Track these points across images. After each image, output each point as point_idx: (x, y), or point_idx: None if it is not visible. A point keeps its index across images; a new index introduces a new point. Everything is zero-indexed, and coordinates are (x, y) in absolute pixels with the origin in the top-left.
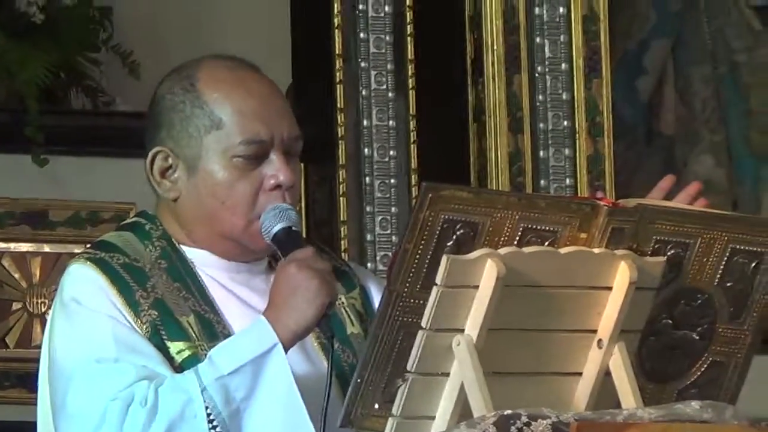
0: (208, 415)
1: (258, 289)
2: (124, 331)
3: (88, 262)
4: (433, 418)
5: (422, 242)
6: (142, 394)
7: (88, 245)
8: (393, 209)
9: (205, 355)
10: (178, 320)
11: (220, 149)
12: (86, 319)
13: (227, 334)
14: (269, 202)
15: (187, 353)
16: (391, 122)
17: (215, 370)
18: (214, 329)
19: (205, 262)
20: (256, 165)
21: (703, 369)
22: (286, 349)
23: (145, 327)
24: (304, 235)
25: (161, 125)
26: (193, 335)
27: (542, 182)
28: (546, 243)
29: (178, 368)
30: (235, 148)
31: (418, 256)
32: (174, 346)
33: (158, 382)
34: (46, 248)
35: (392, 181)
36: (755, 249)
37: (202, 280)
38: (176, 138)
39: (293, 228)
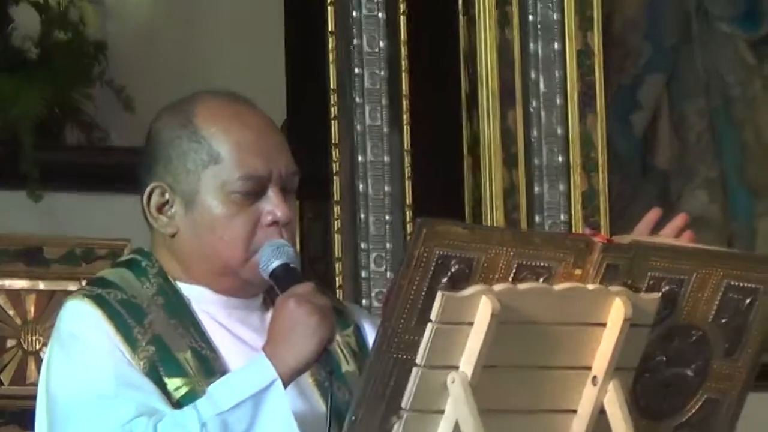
0: None
1: (254, 326)
2: (123, 367)
3: (86, 299)
4: None
5: (417, 278)
6: (142, 430)
7: (85, 282)
8: (388, 245)
9: (203, 391)
10: (176, 357)
11: (218, 184)
12: (84, 355)
13: (224, 371)
14: (266, 237)
15: (184, 389)
16: (385, 157)
17: (215, 406)
18: (210, 366)
19: (201, 299)
20: (254, 200)
21: (697, 406)
22: (285, 385)
23: (142, 363)
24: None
25: (158, 160)
26: (191, 371)
27: (537, 218)
28: (541, 279)
29: (176, 404)
30: (233, 183)
31: (412, 293)
32: (171, 383)
33: (157, 418)
34: (41, 285)
35: (387, 217)
36: (750, 285)
37: (198, 317)
38: (173, 173)
39: (291, 264)
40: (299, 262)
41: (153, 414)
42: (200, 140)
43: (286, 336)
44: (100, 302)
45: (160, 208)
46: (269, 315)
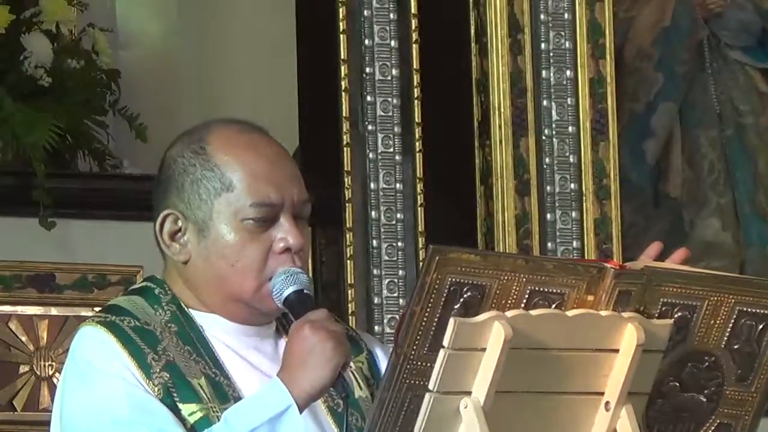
0: None
1: (267, 353)
2: (138, 392)
3: (99, 326)
4: None
5: (429, 305)
6: None
7: (98, 309)
8: (400, 272)
9: (217, 417)
10: (190, 382)
11: (231, 212)
12: (99, 381)
13: (237, 397)
14: (279, 265)
15: (199, 415)
16: (398, 185)
17: (231, 431)
18: (224, 392)
19: (214, 326)
20: (266, 228)
21: (710, 431)
22: (300, 410)
23: (157, 389)
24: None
25: (171, 188)
26: (205, 397)
27: (549, 245)
28: (553, 305)
29: (191, 430)
30: (246, 210)
31: (425, 319)
32: (186, 408)
33: None
34: (53, 311)
35: (400, 243)
36: (762, 311)
37: (211, 344)
38: (186, 200)
39: (304, 291)
40: (312, 288)
41: None
42: (213, 168)
43: (302, 361)
44: (114, 329)
45: (173, 236)
46: (282, 342)
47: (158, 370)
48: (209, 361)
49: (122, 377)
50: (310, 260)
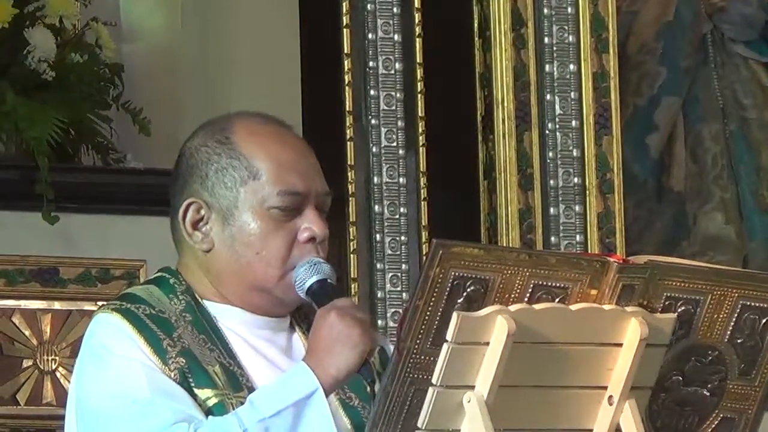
0: None
1: (280, 345)
2: (157, 375)
3: (115, 313)
4: None
5: (433, 299)
6: None
7: (112, 298)
8: (404, 266)
9: (232, 404)
10: (205, 369)
11: (257, 200)
12: (117, 365)
13: (251, 387)
14: (303, 254)
15: (214, 400)
16: (401, 179)
17: (257, 413)
18: (238, 381)
19: (228, 317)
20: (291, 217)
21: (713, 425)
22: (326, 395)
23: (173, 374)
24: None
25: (194, 177)
26: (220, 384)
27: (552, 239)
28: (556, 300)
29: (206, 414)
30: (272, 199)
31: (428, 313)
32: (202, 393)
33: (197, 424)
34: (57, 305)
35: (403, 238)
36: (766, 305)
37: (225, 334)
38: (210, 189)
39: (328, 280)
40: (335, 278)
41: (190, 421)
42: (239, 157)
43: (328, 347)
44: (129, 316)
45: (196, 224)
46: (295, 336)
47: (174, 356)
48: (223, 351)
49: (140, 361)
50: None
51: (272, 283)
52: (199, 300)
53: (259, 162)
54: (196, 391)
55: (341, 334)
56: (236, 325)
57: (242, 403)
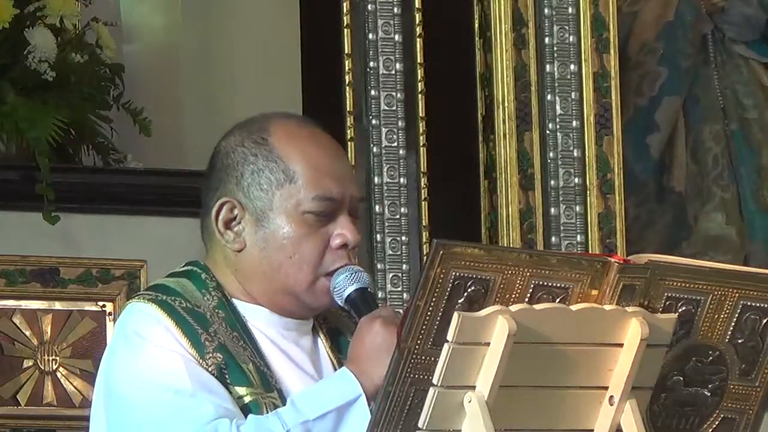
0: None
1: (305, 348)
2: (196, 368)
3: (151, 303)
4: None
5: (433, 299)
6: (226, 431)
7: (145, 289)
8: (404, 266)
9: (265, 403)
10: (241, 366)
11: (292, 204)
12: (155, 354)
13: (278, 388)
14: (335, 260)
15: (249, 398)
16: (402, 179)
17: (299, 414)
18: (268, 381)
19: (256, 317)
20: (325, 223)
21: (714, 426)
22: (368, 402)
23: (211, 369)
24: None
25: (229, 177)
26: (255, 382)
27: (553, 239)
28: (557, 300)
29: (242, 411)
30: (308, 203)
31: (429, 313)
32: (238, 390)
33: (239, 421)
34: (57, 305)
35: (403, 238)
36: (766, 305)
37: (253, 334)
38: (246, 190)
39: (368, 289)
40: (374, 287)
41: (232, 417)
42: (276, 159)
43: (373, 355)
44: (166, 308)
45: (228, 224)
46: (319, 340)
47: (211, 351)
48: (254, 350)
49: (178, 352)
50: None
51: (302, 288)
52: (229, 298)
53: (296, 165)
54: (231, 387)
55: (386, 342)
56: (264, 325)
57: (274, 404)
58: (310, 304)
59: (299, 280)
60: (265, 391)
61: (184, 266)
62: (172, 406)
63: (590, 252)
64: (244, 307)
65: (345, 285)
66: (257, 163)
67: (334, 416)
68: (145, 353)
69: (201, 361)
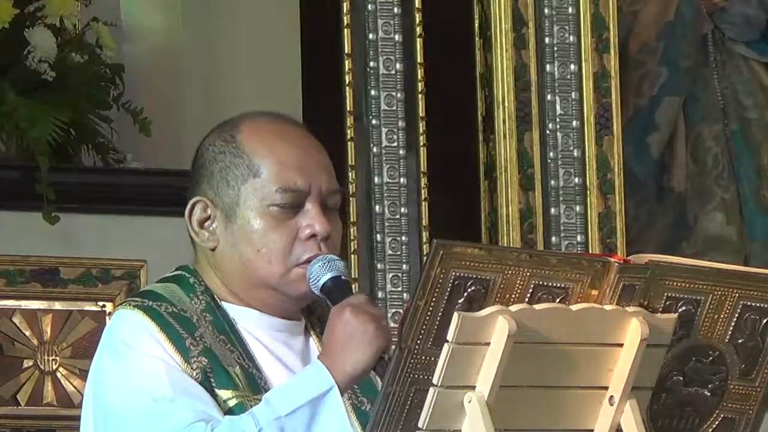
0: None
1: (296, 349)
2: (178, 373)
3: (136, 309)
4: None
5: (433, 299)
6: None
7: (133, 295)
8: (404, 266)
9: (251, 405)
10: (226, 369)
11: (257, 198)
12: (138, 362)
13: (268, 390)
14: (305, 251)
15: (235, 401)
16: (402, 179)
17: (272, 411)
18: (257, 383)
19: (246, 320)
20: (293, 214)
21: (714, 426)
22: (342, 392)
23: (195, 373)
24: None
25: (202, 176)
26: (240, 385)
27: (553, 239)
28: (557, 300)
29: (227, 415)
30: (272, 196)
31: (429, 313)
32: (223, 394)
33: (214, 424)
34: (57, 305)
35: (403, 238)
36: (766, 306)
37: (243, 337)
38: (215, 188)
39: (342, 277)
40: (349, 274)
41: (209, 420)
42: (241, 155)
43: (343, 344)
44: (151, 313)
45: (202, 223)
46: (311, 340)
47: (196, 355)
48: (242, 353)
49: (161, 359)
50: None
51: (276, 279)
52: (218, 301)
53: (260, 159)
54: (217, 391)
55: (356, 330)
56: (254, 327)
57: None
58: (290, 294)
59: (271, 273)
60: (253, 393)
61: (174, 271)
62: (151, 413)
63: (590, 252)
64: (234, 310)
65: (320, 274)
66: (225, 160)
67: (307, 410)
68: (129, 361)
69: (186, 365)
